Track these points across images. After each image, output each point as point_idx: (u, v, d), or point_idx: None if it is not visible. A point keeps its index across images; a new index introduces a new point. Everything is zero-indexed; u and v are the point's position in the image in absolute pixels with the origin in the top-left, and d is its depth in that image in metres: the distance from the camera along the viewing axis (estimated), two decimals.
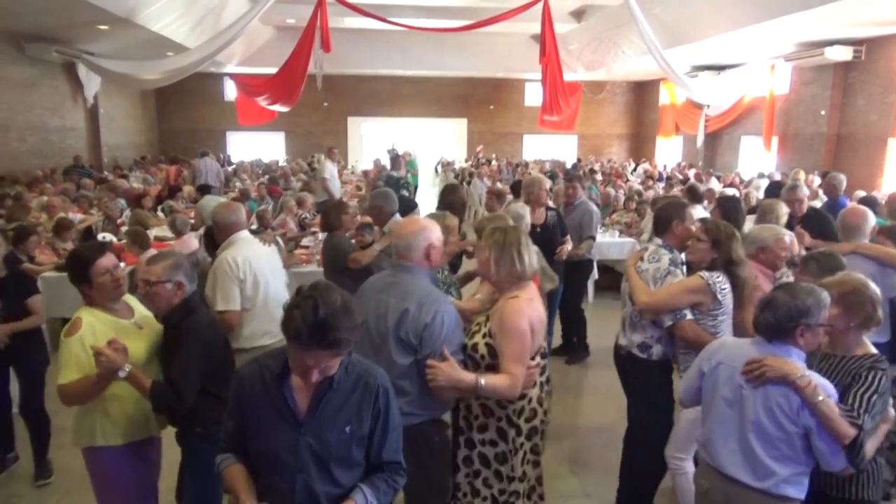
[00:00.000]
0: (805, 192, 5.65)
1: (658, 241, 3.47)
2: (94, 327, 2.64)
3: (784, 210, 4.84)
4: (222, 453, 2.10)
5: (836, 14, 9.99)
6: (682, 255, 3.41)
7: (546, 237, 5.19)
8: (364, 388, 2.01)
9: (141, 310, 2.89)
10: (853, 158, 13.02)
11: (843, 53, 12.63)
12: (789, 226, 5.03)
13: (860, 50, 12.66)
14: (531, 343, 2.57)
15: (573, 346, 6.36)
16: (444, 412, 2.71)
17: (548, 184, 5.55)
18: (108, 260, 2.72)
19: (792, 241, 3.63)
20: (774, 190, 8.73)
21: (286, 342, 1.87)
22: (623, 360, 3.51)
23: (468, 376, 2.48)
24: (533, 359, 2.63)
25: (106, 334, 2.59)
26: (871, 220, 4.20)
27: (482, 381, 2.47)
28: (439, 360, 2.48)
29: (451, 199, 5.51)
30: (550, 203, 5.78)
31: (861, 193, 8.88)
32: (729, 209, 4.77)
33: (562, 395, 5.25)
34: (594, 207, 6.31)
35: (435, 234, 2.68)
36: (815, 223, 5.22)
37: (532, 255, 2.64)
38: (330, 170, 10.84)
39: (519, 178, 10.17)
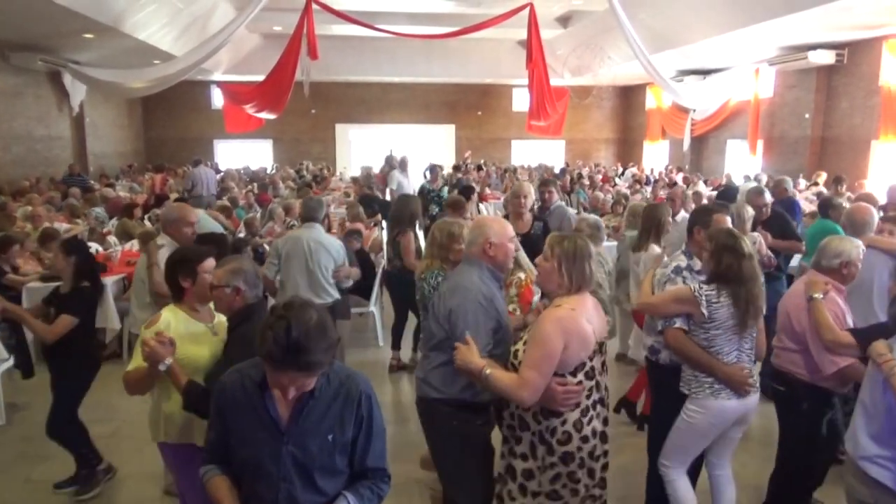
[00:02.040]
0: (768, 197, 5.76)
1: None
2: (169, 323, 2.74)
3: (750, 213, 4.92)
4: (206, 464, 2.09)
5: (818, 19, 10.12)
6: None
7: (529, 246, 4.97)
8: (346, 395, 2.00)
9: (221, 318, 2.92)
10: (838, 161, 13.16)
11: (826, 57, 12.78)
12: (752, 227, 5.12)
13: (843, 53, 12.83)
14: (562, 356, 2.48)
15: None
16: (465, 396, 2.78)
17: (526, 191, 5.39)
18: (210, 264, 2.87)
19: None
20: (730, 194, 8.69)
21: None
22: (646, 361, 3.60)
23: (478, 361, 2.54)
24: (574, 374, 2.53)
25: (178, 331, 2.69)
26: (876, 215, 4.27)
27: (487, 371, 2.51)
28: (464, 344, 2.63)
29: (400, 210, 5.76)
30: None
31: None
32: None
33: None
34: (571, 211, 6.37)
35: (494, 230, 2.89)
36: (777, 225, 5.34)
37: (594, 268, 2.66)
38: (398, 180, 10.67)
39: (467, 183, 9.93)
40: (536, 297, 3.58)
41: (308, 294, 4.74)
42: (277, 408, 1.96)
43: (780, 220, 5.55)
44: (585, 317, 2.54)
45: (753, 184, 9.75)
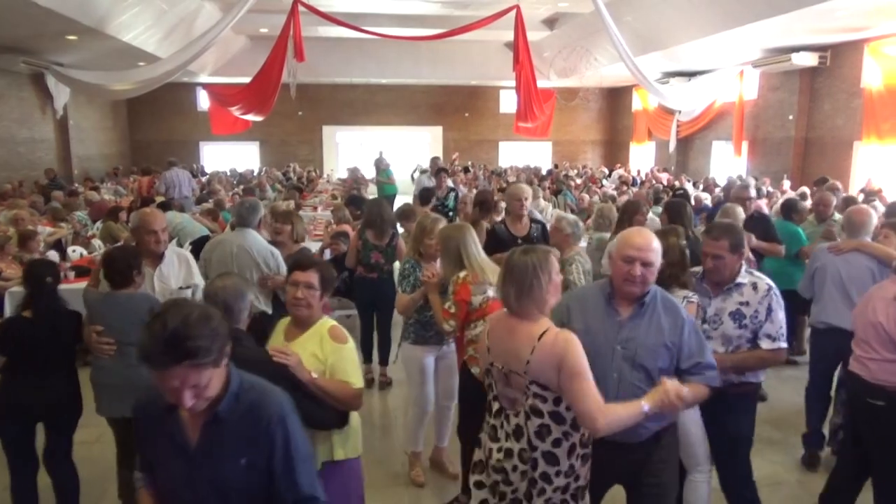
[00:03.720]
0: (753, 192, 5.84)
1: None
2: (278, 332, 2.91)
3: (742, 213, 4.98)
4: (140, 471, 2.02)
5: (800, 22, 10.24)
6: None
7: None
8: (256, 417, 1.82)
9: (314, 331, 2.78)
10: (821, 162, 13.31)
11: (809, 59, 12.91)
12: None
13: (825, 56, 12.96)
14: None
15: None
16: None
17: (525, 193, 5.26)
18: (303, 276, 2.70)
19: None
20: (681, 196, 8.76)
21: None
22: None
23: None
24: None
25: (274, 342, 2.79)
26: (875, 218, 4.33)
27: None
28: None
29: (373, 216, 5.52)
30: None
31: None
32: (674, 213, 4.88)
33: None
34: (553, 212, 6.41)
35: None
36: (760, 226, 5.42)
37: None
38: (424, 184, 10.29)
39: (429, 187, 9.60)
40: (480, 298, 3.42)
41: None
42: (186, 431, 1.82)
43: (763, 221, 5.64)
44: (488, 332, 2.52)
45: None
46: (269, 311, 4.52)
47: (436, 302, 3.58)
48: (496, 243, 4.90)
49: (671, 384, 2.27)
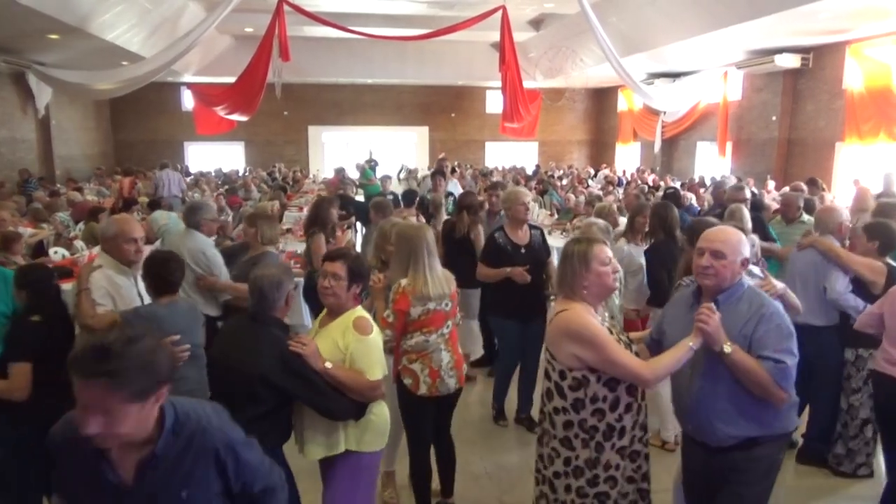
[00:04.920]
0: (748, 193, 5.87)
1: None
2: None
3: (748, 214, 4.99)
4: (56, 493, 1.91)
5: (783, 24, 10.34)
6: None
7: (533, 258, 4.61)
8: (198, 450, 1.75)
9: (340, 320, 2.85)
10: (803, 163, 13.45)
11: (792, 61, 13.05)
12: None
13: (808, 58, 13.11)
14: None
15: None
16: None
17: (527, 197, 4.83)
18: (331, 266, 2.78)
19: None
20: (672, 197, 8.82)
21: None
22: None
23: None
24: None
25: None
26: (840, 217, 4.37)
27: None
28: None
29: (317, 215, 5.36)
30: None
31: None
32: (657, 217, 4.90)
33: None
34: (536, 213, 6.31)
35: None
36: (758, 227, 5.46)
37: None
38: (428, 186, 9.90)
39: (413, 189, 9.10)
40: (420, 309, 3.25)
41: None
42: (118, 470, 1.69)
43: (759, 222, 5.58)
44: None
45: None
46: (214, 314, 4.41)
47: (380, 308, 3.37)
48: (499, 255, 4.59)
49: (706, 306, 2.36)
